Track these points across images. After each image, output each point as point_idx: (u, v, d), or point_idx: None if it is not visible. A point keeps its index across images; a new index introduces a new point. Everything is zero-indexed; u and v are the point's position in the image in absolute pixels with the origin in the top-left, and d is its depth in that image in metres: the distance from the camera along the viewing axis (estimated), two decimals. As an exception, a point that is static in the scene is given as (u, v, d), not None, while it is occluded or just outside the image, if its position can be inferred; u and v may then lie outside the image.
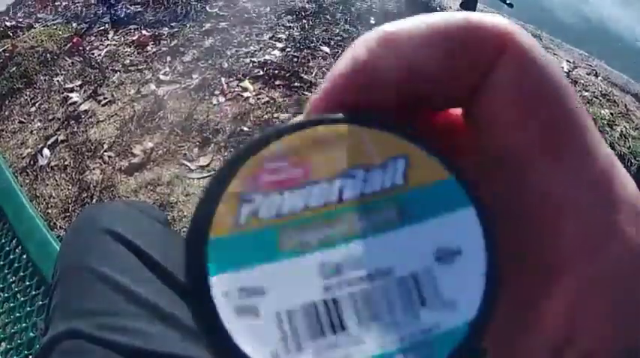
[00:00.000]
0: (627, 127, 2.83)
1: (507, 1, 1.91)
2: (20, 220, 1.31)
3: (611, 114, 2.91)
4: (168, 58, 3.24)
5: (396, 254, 0.18)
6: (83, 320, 0.77)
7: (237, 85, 2.89)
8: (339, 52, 3.09)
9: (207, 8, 3.69)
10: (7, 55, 3.73)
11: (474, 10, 1.99)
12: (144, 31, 3.57)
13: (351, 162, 0.19)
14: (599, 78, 3.31)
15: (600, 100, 3.05)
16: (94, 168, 2.53)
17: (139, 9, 3.86)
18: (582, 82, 3.17)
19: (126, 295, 0.80)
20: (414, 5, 3.57)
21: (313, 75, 2.93)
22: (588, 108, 2.91)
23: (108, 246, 0.86)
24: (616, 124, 2.83)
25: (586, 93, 3.07)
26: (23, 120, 3.06)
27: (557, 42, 3.72)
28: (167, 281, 0.86)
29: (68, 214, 2.33)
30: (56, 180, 2.53)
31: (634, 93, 3.31)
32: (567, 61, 3.39)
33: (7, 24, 4.32)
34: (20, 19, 4.38)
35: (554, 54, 3.47)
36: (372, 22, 3.44)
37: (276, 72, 2.96)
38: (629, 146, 2.70)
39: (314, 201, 0.19)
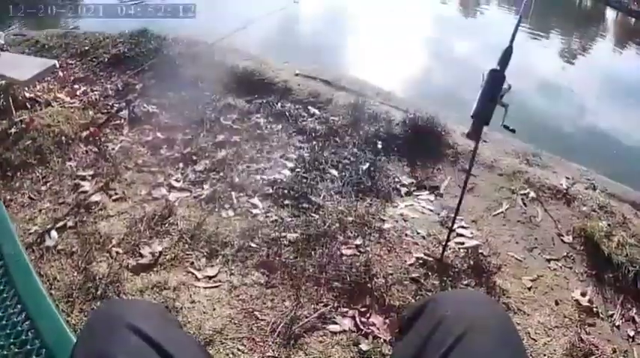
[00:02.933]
0: (624, 236, 2.94)
1: (510, 128, 2.11)
2: (31, 297, 1.33)
3: (609, 225, 3.05)
4: (181, 165, 3.40)
5: None
6: None
7: (247, 201, 3.04)
8: (346, 175, 3.29)
9: (222, 120, 3.90)
10: (23, 126, 3.86)
11: (480, 137, 2.17)
12: (158, 133, 3.75)
13: None
14: (597, 191, 3.50)
15: (598, 213, 3.23)
16: (100, 261, 2.60)
17: (155, 110, 4.06)
18: (581, 197, 3.36)
19: None
20: (419, 130, 3.81)
21: (321, 197, 3.08)
22: (586, 222, 3.08)
23: (132, 340, 0.92)
24: (613, 235, 2.94)
25: (584, 208, 3.25)
26: (33, 196, 3.15)
27: (557, 159, 3.97)
28: None
29: (71, 300, 2.37)
30: (62, 264, 2.59)
31: (632, 201, 3.48)
32: (566, 177, 3.60)
33: (27, 95, 4.46)
34: (39, 94, 4.53)
35: (554, 171, 3.70)
36: (379, 146, 3.66)
37: (285, 191, 3.11)
38: (627, 254, 2.80)
39: None
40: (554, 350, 2.33)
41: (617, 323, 2.53)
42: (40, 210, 3.02)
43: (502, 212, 3.18)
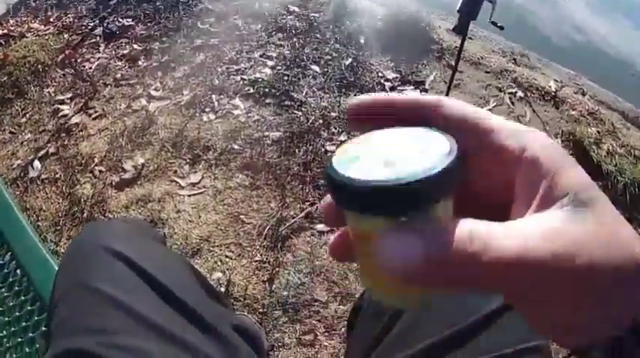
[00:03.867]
0: (614, 145, 2.86)
1: (498, 24, 1.96)
2: (16, 235, 1.31)
3: (598, 132, 2.94)
4: (160, 74, 3.24)
5: None
6: (86, 337, 0.79)
7: (228, 103, 2.90)
8: (329, 70, 3.13)
9: (199, 24, 3.69)
10: (-2, 64, 3.74)
11: (466, 33, 2.02)
12: (135, 45, 3.58)
13: None
14: (587, 96, 3.35)
15: (587, 119, 3.09)
16: (84, 183, 2.53)
17: (131, 23, 3.86)
18: (570, 100, 3.21)
19: (127, 313, 0.82)
20: (403, 25, 3.63)
21: (304, 94, 2.94)
22: (575, 126, 2.96)
23: (109, 264, 0.88)
24: (603, 142, 2.86)
25: (573, 112, 3.11)
26: (14, 130, 3.05)
27: (545, 61, 3.78)
28: (166, 299, 0.88)
29: (59, 228, 2.33)
30: (47, 193, 2.53)
31: (621, 111, 3.36)
32: (555, 79, 3.43)
33: (0, 32, 4.32)
34: (12, 28, 4.37)
35: (542, 73, 3.53)
36: (362, 41, 3.46)
37: (267, 90, 2.96)
38: (616, 163, 2.73)
39: None
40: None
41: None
42: (22, 143, 2.94)
43: (489, 109, 3.00)
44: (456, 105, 0.37)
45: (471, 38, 3.69)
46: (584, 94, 3.37)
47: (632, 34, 5.38)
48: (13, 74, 3.52)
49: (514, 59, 3.63)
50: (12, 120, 3.15)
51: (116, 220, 2.10)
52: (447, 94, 2.29)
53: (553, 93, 3.22)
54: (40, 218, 2.41)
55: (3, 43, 4.16)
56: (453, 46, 3.44)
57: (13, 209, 1.37)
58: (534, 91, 3.23)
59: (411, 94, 0.40)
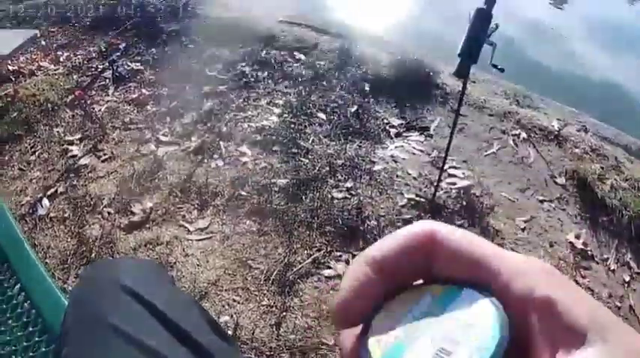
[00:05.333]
0: (618, 179, 2.90)
1: (499, 66, 2.02)
2: (25, 268, 1.33)
3: (602, 168, 2.98)
4: (168, 119, 3.30)
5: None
6: None
7: (236, 150, 2.95)
8: (335, 118, 3.19)
9: (207, 71, 3.78)
10: (8, 99, 3.78)
11: (468, 75, 2.09)
12: (144, 90, 3.65)
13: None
14: (589, 133, 3.40)
15: (590, 155, 3.14)
16: (93, 223, 2.55)
17: (140, 67, 3.94)
18: (572, 139, 3.27)
19: (139, 348, 0.84)
20: (407, 71, 3.70)
21: (310, 141, 2.99)
22: (579, 164, 3.01)
23: (122, 300, 0.90)
24: (607, 178, 2.89)
25: (576, 150, 3.17)
26: (23, 167, 3.09)
27: (548, 100, 3.84)
28: (176, 335, 0.90)
29: (66, 266, 2.34)
30: (55, 232, 2.55)
31: (624, 145, 3.39)
32: (557, 119, 3.49)
33: (10, 68, 4.36)
34: (23, 65, 4.43)
35: (545, 112, 3.59)
36: (367, 88, 3.53)
37: (274, 138, 3.02)
38: (620, 198, 2.75)
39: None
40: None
41: (612, 268, 2.47)
42: (31, 180, 2.97)
43: (493, 152, 3.09)
44: (451, 241, 0.36)
45: (474, 82, 3.79)
46: (586, 131, 3.43)
47: (633, 67, 5.49)
48: (23, 111, 3.58)
49: (517, 100, 3.71)
50: (21, 157, 3.19)
51: (127, 258, 2.14)
52: (450, 138, 2.36)
53: (556, 133, 3.29)
54: (48, 255, 2.42)
55: (13, 79, 4.22)
56: (457, 91, 3.52)
57: (24, 243, 1.40)
58: (537, 132, 3.30)
59: (391, 241, 0.36)
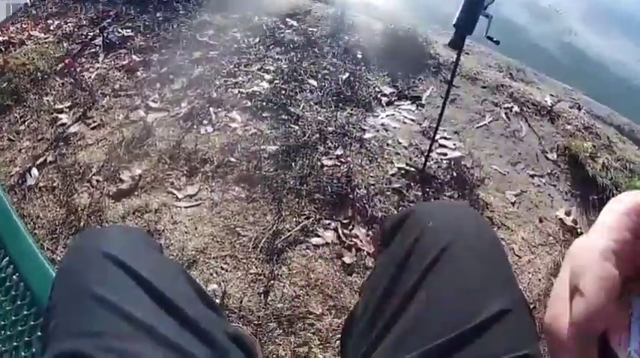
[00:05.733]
0: (609, 159, 2.89)
1: (494, 39, 1.99)
2: (13, 240, 1.31)
3: (594, 146, 2.97)
4: (158, 85, 3.25)
5: None
6: (84, 341, 0.80)
7: (226, 116, 2.90)
8: (326, 85, 3.14)
9: (198, 36, 3.71)
10: (-2, 70, 3.75)
11: (462, 46, 2.05)
12: (134, 56, 3.59)
13: None
14: (582, 111, 3.38)
15: (583, 133, 3.12)
16: (82, 192, 2.53)
17: (130, 33, 3.88)
18: (565, 115, 3.24)
19: (123, 317, 0.83)
20: (401, 40, 3.65)
21: (300, 108, 2.94)
22: (571, 141, 2.99)
23: (108, 270, 0.89)
24: (598, 156, 2.89)
25: (569, 127, 3.15)
26: (12, 138, 3.05)
27: (542, 76, 3.81)
28: (162, 304, 0.89)
29: (55, 236, 2.32)
30: (44, 201, 2.52)
31: (617, 125, 3.38)
32: (551, 94, 3.46)
33: (0, 39, 4.33)
34: (12, 35, 4.37)
35: (538, 87, 3.56)
36: (359, 56, 3.48)
37: (264, 104, 2.97)
38: (611, 177, 2.75)
39: None
40: (539, 269, 2.28)
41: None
42: (20, 150, 2.94)
43: (485, 124, 3.05)
44: None
45: (467, 53, 3.74)
46: (579, 109, 3.41)
47: (628, 48, 5.43)
48: (13, 81, 3.53)
49: (510, 74, 3.67)
50: (10, 128, 3.15)
51: (114, 227, 2.10)
52: (442, 108, 2.32)
53: (549, 108, 3.26)
54: (37, 226, 2.40)
55: (3, 49, 4.17)
56: (450, 61, 3.48)
57: (12, 214, 1.38)
58: (530, 106, 3.26)
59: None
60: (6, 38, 4.33)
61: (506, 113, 3.17)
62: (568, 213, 2.56)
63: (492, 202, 2.53)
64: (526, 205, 2.57)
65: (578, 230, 2.49)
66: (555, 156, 2.91)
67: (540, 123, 3.15)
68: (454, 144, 2.83)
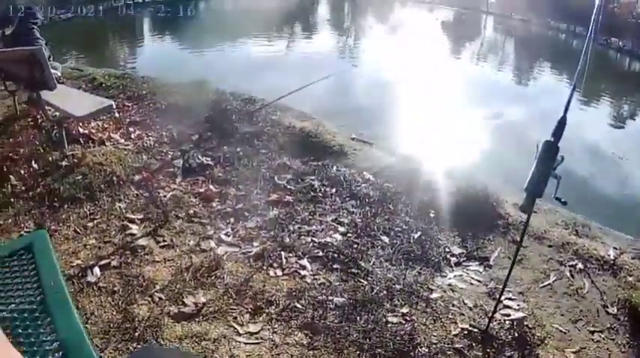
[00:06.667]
0: None
1: (562, 200, 2.16)
2: (67, 327, 1.36)
3: None
4: (232, 220, 3.52)
5: None
6: None
7: (296, 262, 3.11)
8: (397, 242, 3.35)
9: (276, 179, 4.05)
10: (75, 161, 4.11)
11: (532, 211, 2.22)
12: (211, 186, 3.90)
13: None
14: None
15: None
16: (142, 304, 2.69)
17: (210, 162, 4.24)
18: (627, 267, 3.37)
19: None
20: (472, 200, 3.89)
21: (371, 263, 3.13)
22: (632, 292, 3.08)
23: None
24: None
25: (630, 279, 3.26)
26: (79, 231, 3.31)
27: (606, 229, 3.98)
28: None
29: (107, 337, 2.45)
30: (101, 301, 2.70)
31: None
32: (614, 248, 3.61)
33: (80, 130, 4.73)
34: (93, 131, 4.77)
35: (602, 242, 3.71)
36: (432, 215, 3.73)
37: (336, 255, 3.18)
38: None
39: None
40: None
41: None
42: (85, 246, 3.17)
43: (549, 284, 3.20)
44: None
45: (535, 212, 3.92)
46: None
47: None
48: (88, 177, 3.88)
49: (576, 231, 3.87)
50: (79, 221, 3.43)
51: (174, 350, 2.23)
52: (509, 271, 2.47)
53: (612, 262, 3.40)
54: (90, 321, 2.55)
55: (82, 143, 4.55)
56: (519, 221, 3.70)
57: (70, 305, 1.45)
58: (594, 262, 3.41)
59: None
60: (86, 132, 4.72)
61: (570, 270, 3.31)
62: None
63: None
64: (585, 362, 2.64)
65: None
66: (616, 310, 3.00)
67: (603, 278, 3.28)
68: (518, 305, 2.95)
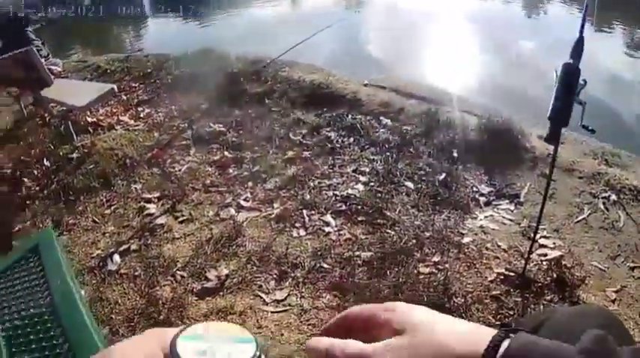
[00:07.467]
0: None
1: (590, 128, 1.97)
2: (77, 331, 1.32)
3: None
4: (250, 184, 3.39)
5: None
6: None
7: (319, 219, 2.97)
8: (422, 186, 3.19)
9: (291, 135, 3.90)
10: (85, 151, 4.02)
11: (558, 141, 2.02)
12: (226, 152, 3.77)
13: None
14: None
15: None
16: (164, 285, 2.61)
17: (222, 128, 4.09)
18: None
19: None
20: (495, 135, 3.69)
21: (397, 212, 2.98)
22: None
23: None
24: None
25: None
26: (97, 220, 3.24)
27: (636, 157, 3.75)
28: None
29: (132, 325, 2.39)
30: (124, 288, 2.63)
31: None
32: None
33: (89, 120, 4.63)
34: (102, 118, 4.67)
35: (634, 171, 3.49)
36: (455, 154, 3.55)
37: (359, 207, 3.03)
38: None
39: None
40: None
41: None
42: (104, 234, 3.11)
43: (584, 218, 3.02)
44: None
45: (562, 143, 3.68)
46: None
47: None
48: (100, 164, 3.79)
49: (605, 160, 3.64)
50: (96, 210, 3.35)
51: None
52: (542, 207, 2.30)
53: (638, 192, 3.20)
54: (114, 311, 2.49)
55: (91, 131, 4.46)
56: (546, 153, 3.49)
57: (79, 307, 1.40)
58: (627, 192, 3.20)
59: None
60: (94, 120, 4.64)
61: (604, 203, 3.12)
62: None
63: (593, 302, 2.44)
64: (626, 301, 2.46)
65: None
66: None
67: (638, 209, 3.09)
68: (554, 243, 2.78)
